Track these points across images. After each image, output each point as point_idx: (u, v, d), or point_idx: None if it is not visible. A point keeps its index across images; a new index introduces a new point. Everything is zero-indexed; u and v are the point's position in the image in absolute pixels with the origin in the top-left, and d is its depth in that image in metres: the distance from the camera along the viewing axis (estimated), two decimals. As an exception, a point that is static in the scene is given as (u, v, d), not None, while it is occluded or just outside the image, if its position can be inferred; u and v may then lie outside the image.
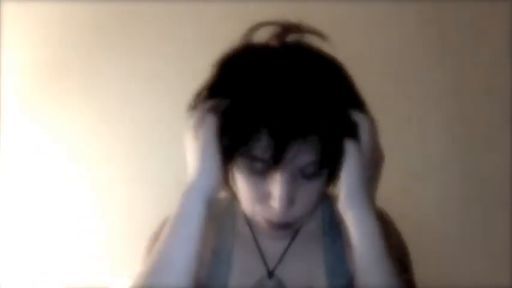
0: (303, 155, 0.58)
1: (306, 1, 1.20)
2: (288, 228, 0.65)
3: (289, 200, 0.60)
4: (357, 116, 0.61)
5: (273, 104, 0.56)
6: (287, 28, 0.63)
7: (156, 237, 0.70)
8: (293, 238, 0.72)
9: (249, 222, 0.72)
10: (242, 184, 0.63)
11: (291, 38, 0.63)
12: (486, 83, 1.30)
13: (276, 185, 0.59)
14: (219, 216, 0.75)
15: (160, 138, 1.31)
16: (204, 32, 1.29)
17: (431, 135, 1.31)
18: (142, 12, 1.29)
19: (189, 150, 0.63)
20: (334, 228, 0.73)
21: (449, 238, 1.31)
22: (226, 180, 0.67)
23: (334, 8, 1.25)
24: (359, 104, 0.63)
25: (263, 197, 0.62)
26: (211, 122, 0.60)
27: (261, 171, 0.60)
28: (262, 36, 0.63)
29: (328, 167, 0.61)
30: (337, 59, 0.63)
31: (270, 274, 0.71)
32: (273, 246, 0.72)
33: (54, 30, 1.30)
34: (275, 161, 0.58)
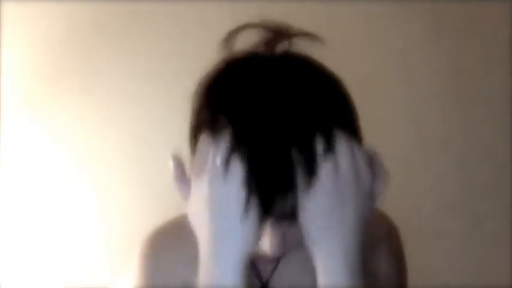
0: (290, 201, 0.52)
1: (305, 0, 1.20)
2: (283, 256, 0.62)
3: (281, 241, 0.56)
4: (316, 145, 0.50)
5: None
6: (277, 34, 0.57)
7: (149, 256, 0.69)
8: None
9: None
10: None
11: (282, 44, 0.57)
12: (486, 83, 1.30)
13: (266, 233, 0.55)
14: None
15: (161, 138, 1.30)
16: (205, 31, 1.29)
17: (430, 133, 1.31)
18: (143, 12, 1.29)
19: (208, 194, 0.51)
20: None
21: (449, 238, 1.31)
22: None
23: (332, 6, 1.25)
24: (353, 129, 0.55)
25: None
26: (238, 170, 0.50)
27: None
28: (249, 39, 0.58)
29: None
30: (334, 74, 0.56)
31: (264, 286, 0.70)
32: (266, 257, 0.71)
33: (54, 30, 1.29)
34: (265, 212, 0.51)
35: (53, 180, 1.31)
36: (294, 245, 0.59)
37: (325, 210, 0.51)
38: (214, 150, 0.51)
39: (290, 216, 0.53)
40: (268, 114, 0.50)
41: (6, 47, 1.27)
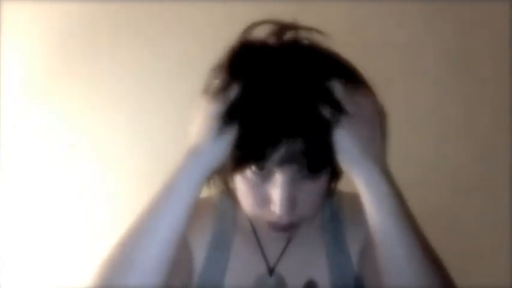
0: (299, 156, 0.56)
1: (305, 2, 1.21)
2: (291, 229, 0.63)
3: (291, 203, 0.58)
4: (332, 85, 0.57)
5: (274, 104, 0.55)
6: (285, 26, 0.62)
7: None
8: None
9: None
10: (242, 187, 0.62)
11: (289, 35, 0.62)
12: (486, 84, 1.30)
13: (276, 189, 0.58)
14: (218, 204, 0.74)
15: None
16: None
17: (433, 138, 1.31)
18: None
19: (204, 111, 0.59)
20: (335, 221, 0.73)
21: (449, 238, 1.31)
22: (226, 183, 0.66)
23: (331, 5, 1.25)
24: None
25: (264, 201, 0.60)
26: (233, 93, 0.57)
27: (259, 174, 0.59)
28: (258, 35, 0.62)
29: (320, 167, 0.59)
30: (338, 54, 0.61)
31: (271, 271, 0.71)
32: (273, 242, 0.71)
33: (55, 29, 1.30)
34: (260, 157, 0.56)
35: (53, 179, 1.31)
36: (301, 217, 0.61)
37: (358, 132, 0.57)
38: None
39: (297, 162, 0.56)
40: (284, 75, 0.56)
41: (5, 47, 1.28)
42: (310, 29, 0.61)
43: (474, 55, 1.29)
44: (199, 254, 0.71)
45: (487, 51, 1.28)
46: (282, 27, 0.61)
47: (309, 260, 0.71)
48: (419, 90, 1.30)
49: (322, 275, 0.69)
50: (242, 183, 0.61)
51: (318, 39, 0.62)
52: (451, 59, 1.29)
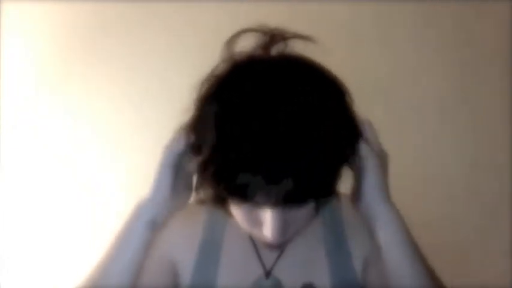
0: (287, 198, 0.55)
1: (306, 2, 1.20)
2: (285, 245, 0.64)
3: (282, 228, 0.58)
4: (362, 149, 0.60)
5: (266, 146, 0.52)
6: (273, 37, 0.61)
7: None
8: None
9: None
10: (235, 209, 0.61)
11: (278, 47, 0.61)
12: (486, 84, 1.30)
13: (267, 216, 0.57)
14: (210, 209, 0.73)
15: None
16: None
17: (433, 139, 1.31)
18: None
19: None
20: (335, 222, 0.73)
21: (449, 238, 1.31)
22: (222, 200, 0.64)
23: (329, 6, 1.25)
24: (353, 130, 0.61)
25: (256, 222, 0.60)
26: (176, 148, 0.63)
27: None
28: (246, 43, 0.61)
29: (312, 198, 0.58)
30: (331, 74, 0.59)
31: (267, 274, 0.70)
32: (270, 246, 0.71)
33: (55, 27, 1.30)
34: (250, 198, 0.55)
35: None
36: (295, 233, 0.61)
37: (376, 179, 0.61)
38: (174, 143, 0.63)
39: (287, 200, 0.55)
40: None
41: (5, 47, 1.28)
42: (298, 37, 0.61)
43: (473, 56, 1.28)
44: (188, 263, 0.71)
45: (487, 53, 1.28)
46: (270, 40, 0.60)
47: (307, 262, 0.70)
48: (419, 93, 1.30)
49: (321, 276, 0.69)
50: (235, 207, 0.61)
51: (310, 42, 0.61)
52: (449, 60, 1.29)
